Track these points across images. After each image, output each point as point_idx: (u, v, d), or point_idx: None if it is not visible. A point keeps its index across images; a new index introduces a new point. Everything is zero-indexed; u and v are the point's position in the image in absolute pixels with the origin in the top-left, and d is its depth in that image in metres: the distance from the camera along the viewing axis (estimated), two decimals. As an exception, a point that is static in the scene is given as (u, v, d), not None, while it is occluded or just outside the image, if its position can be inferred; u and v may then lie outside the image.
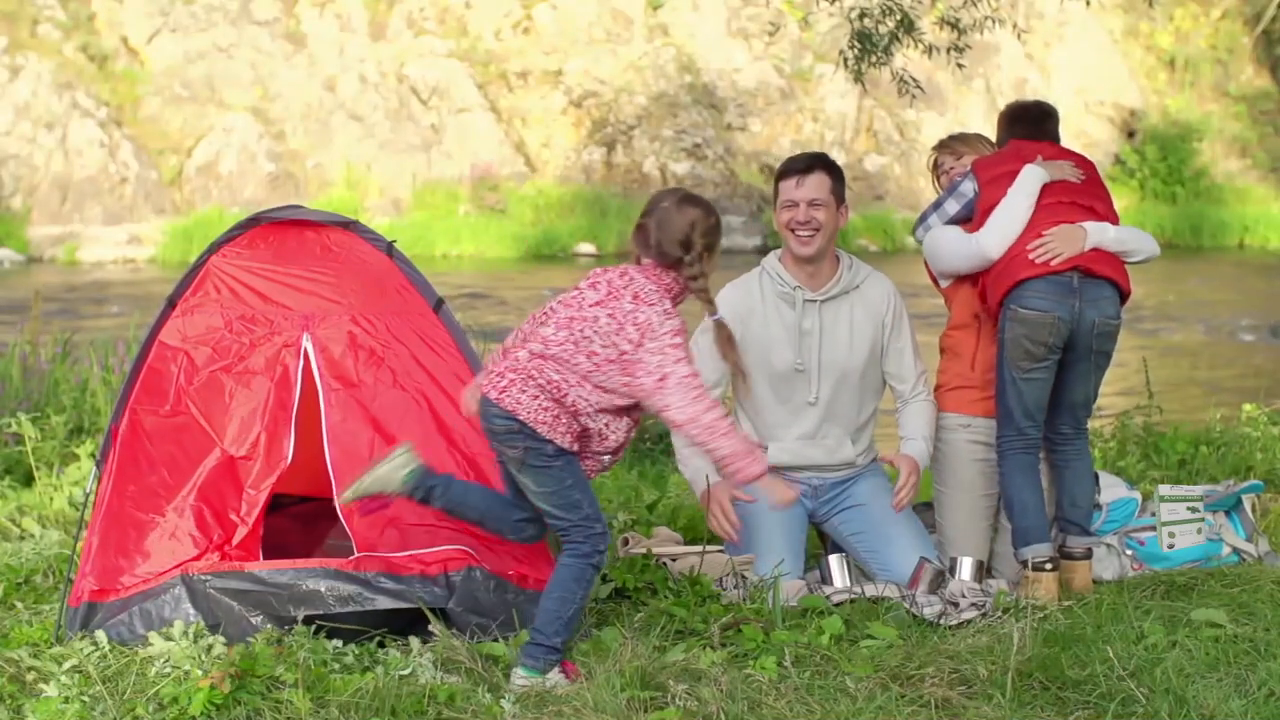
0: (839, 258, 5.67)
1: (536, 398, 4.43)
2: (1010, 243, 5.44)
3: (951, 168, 5.86)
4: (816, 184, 5.56)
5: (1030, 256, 5.38)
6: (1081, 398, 5.53)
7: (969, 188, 5.60)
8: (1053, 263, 5.35)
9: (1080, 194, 5.50)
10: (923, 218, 5.75)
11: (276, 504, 5.22)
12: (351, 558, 4.70)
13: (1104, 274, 5.40)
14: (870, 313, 5.61)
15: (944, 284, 5.79)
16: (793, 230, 5.55)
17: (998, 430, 5.53)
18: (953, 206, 5.65)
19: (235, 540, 4.76)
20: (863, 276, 5.68)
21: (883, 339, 5.65)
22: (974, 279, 5.62)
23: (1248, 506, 6.01)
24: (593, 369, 4.45)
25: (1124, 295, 5.48)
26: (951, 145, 5.93)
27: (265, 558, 4.79)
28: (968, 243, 5.54)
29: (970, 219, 5.59)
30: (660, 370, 4.41)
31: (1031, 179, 5.47)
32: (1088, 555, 5.54)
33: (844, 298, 5.63)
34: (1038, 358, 5.38)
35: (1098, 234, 5.43)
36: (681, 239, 4.51)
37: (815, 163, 5.63)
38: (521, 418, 4.42)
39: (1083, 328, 5.37)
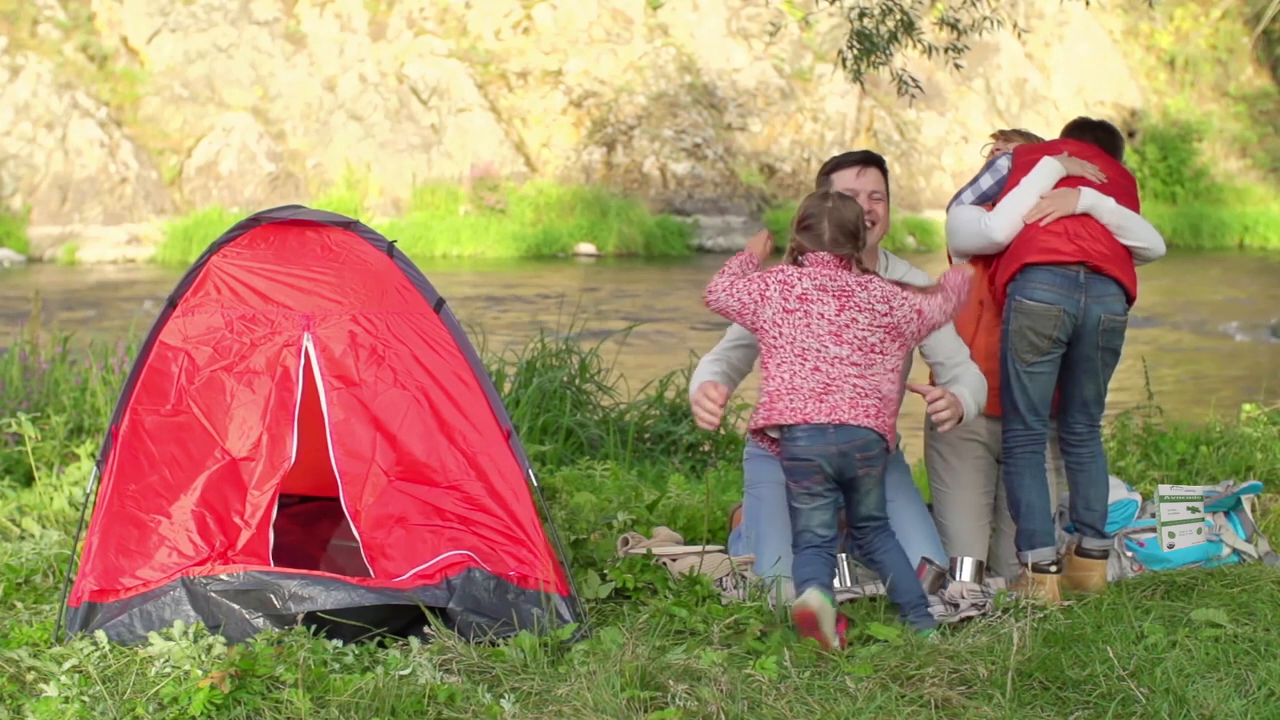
0: (878, 255, 5.62)
1: (883, 414, 4.95)
2: (1018, 229, 5.45)
3: (996, 148, 5.92)
4: (876, 178, 5.54)
5: (1024, 219, 5.42)
6: (1093, 394, 5.52)
7: (1004, 164, 5.63)
8: (1043, 223, 5.37)
9: (1100, 189, 5.49)
10: (959, 194, 5.77)
11: (278, 504, 5.21)
12: (358, 578, 4.73)
13: (1111, 273, 5.40)
14: None
15: (958, 262, 5.79)
16: None
17: (1005, 426, 5.52)
18: (986, 181, 5.68)
19: (240, 544, 4.76)
20: (900, 273, 5.59)
21: None
22: (986, 261, 5.63)
23: (1247, 507, 6.01)
24: (884, 355, 4.97)
25: (1130, 297, 5.48)
26: (1007, 135, 6.02)
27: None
28: (978, 223, 5.55)
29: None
30: (913, 310, 5.01)
31: (1047, 170, 5.48)
32: (1105, 555, 5.54)
33: None
34: (1042, 350, 5.38)
35: (1093, 199, 5.42)
36: (853, 228, 5.04)
37: (871, 159, 5.60)
38: (888, 436, 4.96)
39: (1089, 324, 5.37)
